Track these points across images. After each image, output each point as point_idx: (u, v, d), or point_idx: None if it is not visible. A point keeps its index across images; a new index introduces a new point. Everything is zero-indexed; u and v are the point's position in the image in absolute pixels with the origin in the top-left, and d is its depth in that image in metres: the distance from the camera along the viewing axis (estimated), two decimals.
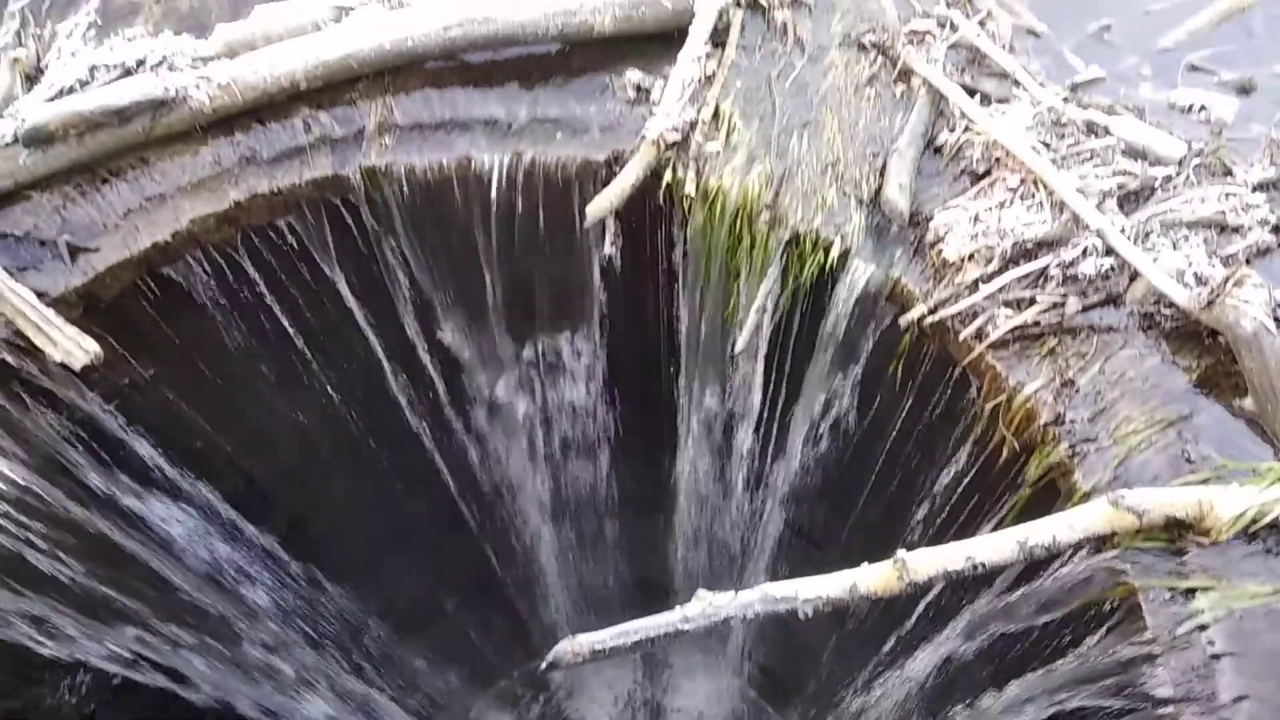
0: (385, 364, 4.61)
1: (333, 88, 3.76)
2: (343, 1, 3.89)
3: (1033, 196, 3.37)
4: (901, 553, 2.65)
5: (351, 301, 4.25)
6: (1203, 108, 3.65)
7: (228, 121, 3.74)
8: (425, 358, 4.59)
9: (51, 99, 3.73)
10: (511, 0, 3.73)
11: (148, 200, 3.70)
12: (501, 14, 3.68)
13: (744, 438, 4.50)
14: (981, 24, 3.89)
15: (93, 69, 3.82)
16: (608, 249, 3.76)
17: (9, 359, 3.40)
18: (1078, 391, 3.11)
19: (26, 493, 3.50)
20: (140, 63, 3.79)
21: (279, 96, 3.71)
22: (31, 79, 3.90)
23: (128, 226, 3.67)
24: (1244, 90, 3.80)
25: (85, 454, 3.76)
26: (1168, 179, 3.33)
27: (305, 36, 3.75)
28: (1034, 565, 2.92)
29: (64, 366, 3.38)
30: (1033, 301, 3.25)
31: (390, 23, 3.72)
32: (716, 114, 3.63)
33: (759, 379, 4.11)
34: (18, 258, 3.53)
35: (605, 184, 3.53)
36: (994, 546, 2.68)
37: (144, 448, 4.01)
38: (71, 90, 3.77)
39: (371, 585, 5.63)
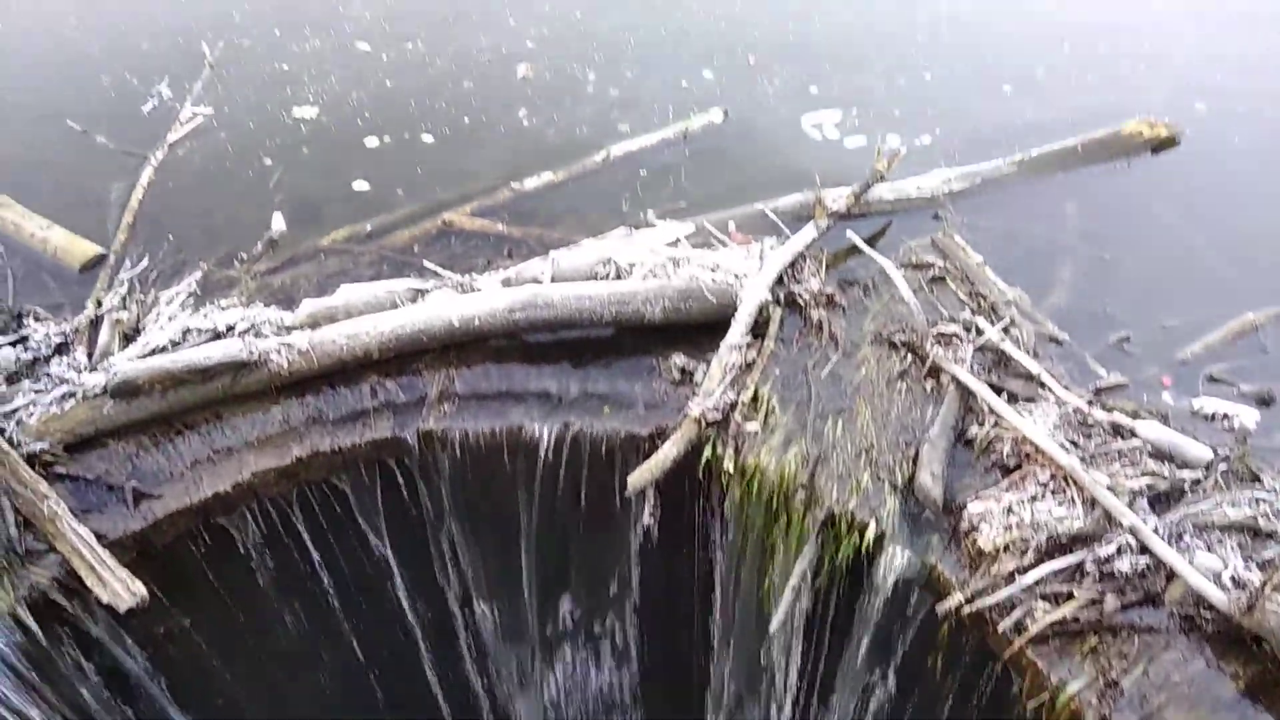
0: (416, 629, 4.59)
1: (402, 358, 4.07)
2: (420, 284, 4.32)
3: (1064, 492, 3.45)
4: None
5: (391, 561, 4.33)
6: (1225, 416, 3.79)
7: (301, 384, 4.03)
8: (458, 625, 4.57)
9: (143, 356, 4.08)
10: (571, 287, 4.12)
11: (215, 452, 3.91)
12: (562, 300, 4.04)
13: None
14: (1005, 330, 4.17)
15: (185, 332, 4.21)
16: (646, 519, 3.85)
17: (57, 598, 3.46)
18: (1123, 694, 3.01)
19: None
20: (230, 328, 4.17)
21: (352, 364, 4.02)
22: (129, 338, 4.28)
23: (192, 476, 3.84)
24: (1264, 401, 3.97)
25: (107, 701, 3.72)
26: (1196, 482, 3.41)
27: (383, 312, 4.12)
28: None
29: (109, 608, 3.43)
30: (1070, 596, 3.23)
31: (461, 304, 4.09)
32: (755, 397, 3.85)
33: (794, 663, 4.02)
34: (85, 500, 3.70)
35: (647, 457, 3.68)
36: None
37: (164, 699, 3.95)
38: (163, 349, 4.12)
39: None
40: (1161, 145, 5.42)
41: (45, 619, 3.46)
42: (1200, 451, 3.47)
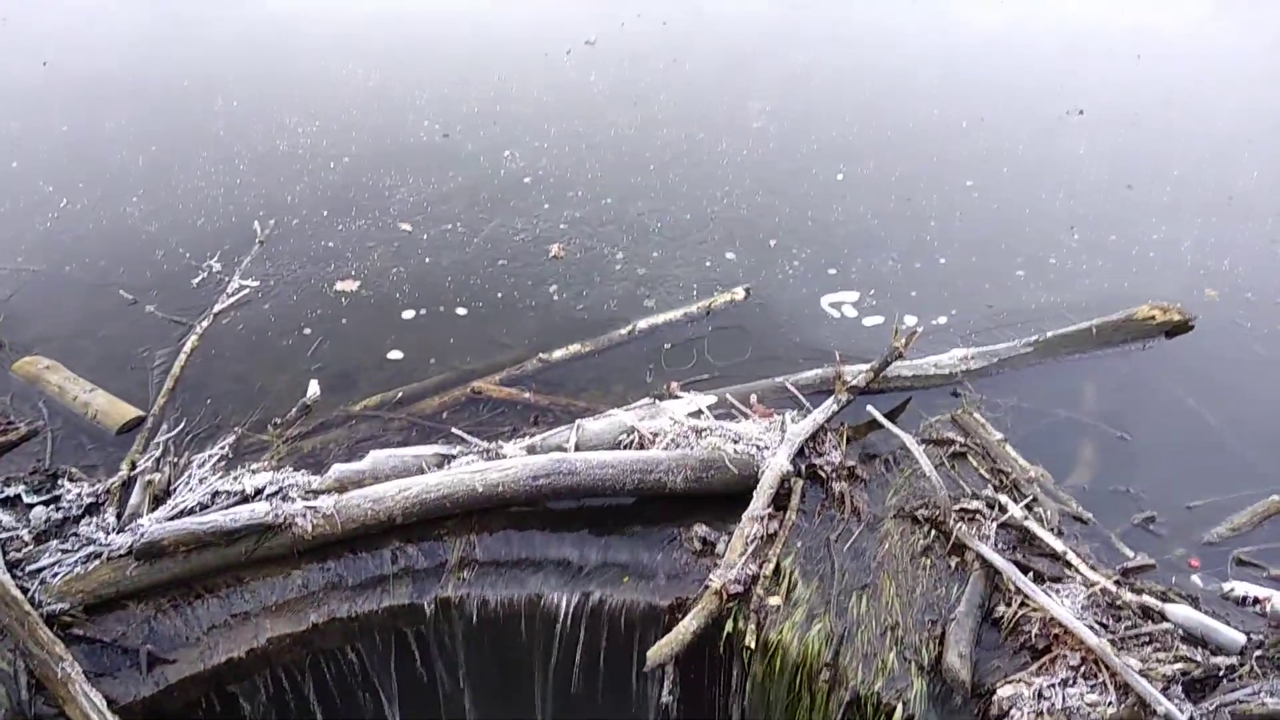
0: None
1: (425, 523, 4.10)
2: (447, 450, 4.40)
3: (1095, 676, 3.35)
4: None
5: None
6: (1257, 600, 3.71)
7: (324, 548, 4.05)
8: None
9: (171, 517, 4.13)
10: (594, 455, 4.18)
11: (233, 617, 3.89)
12: (585, 468, 4.10)
13: None
14: (1029, 508, 4.16)
15: (215, 494, 4.28)
16: (665, 697, 3.75)
17: None
18: None
19: None
20: (258, 491, 4.24)
21: (375, 529, 4.05)
22: (159, 499, 4.35)
23: (208, 641, 3.81)
24: None
25: None
26: (1231, 669, 3.31)
27: (409, 477, 4.19)
28: None
29: None
30: None
31: (485, 470, 4.15)
32: (777, 570, 3.83)
33: None
34: (100, 663, 3.67)
35: (667, 629, 3.62)
36: None
37: None
38: (191, 511, 4.18)
39: None
40: (1175, 329, 5.54)
41: None
42: (1234, 636, 3.39)
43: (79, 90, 9.37)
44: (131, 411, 4.98)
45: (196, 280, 6.20)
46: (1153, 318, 5.49)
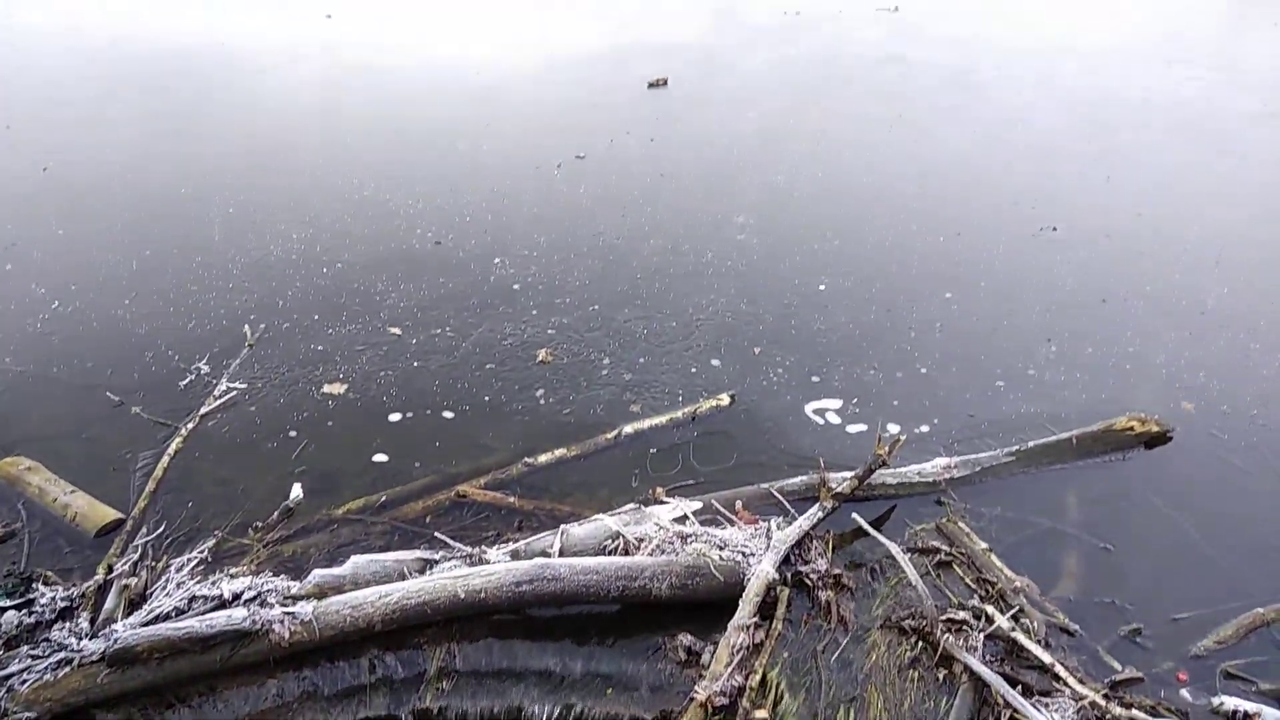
0: None
1: (404, 631, 4.03)
2: (429, 555, 4.37)
3: None
4: None
5: None
6: (1248, 715, 3.67)
7: (300, 656, 3.97)
8: None
9: (146, 623, 4.06)
10: (579, 561, 4.15)
11: None
12: (569, 574, 4.06)
13: None
14: (1016, 619, 4.14)
15: (192, 599, 4.21)
16: None
17: None
18: None
19: None
20: (236, 596, 4.18)
21: (353, 636, 3.99)
22: (135, 604, 4.27)
23: None
24: None
25: None
26: None
27: (389, 584, 4.14)
28: None
29: None
30: None
31: (467, 576, 4.11)
32: (764, 681, 3.77)
33: None
34: None
35: None
36: None
37: None
38: (167, 616, 4.11)
39: None
40: (1154, 440, 5.61)
41: None
42: None
43: (77, 195, 9.56)
44: (111, 514, 4.93)
45: (184, 382, 6.22)
46: (1131, 429, 5.57)
